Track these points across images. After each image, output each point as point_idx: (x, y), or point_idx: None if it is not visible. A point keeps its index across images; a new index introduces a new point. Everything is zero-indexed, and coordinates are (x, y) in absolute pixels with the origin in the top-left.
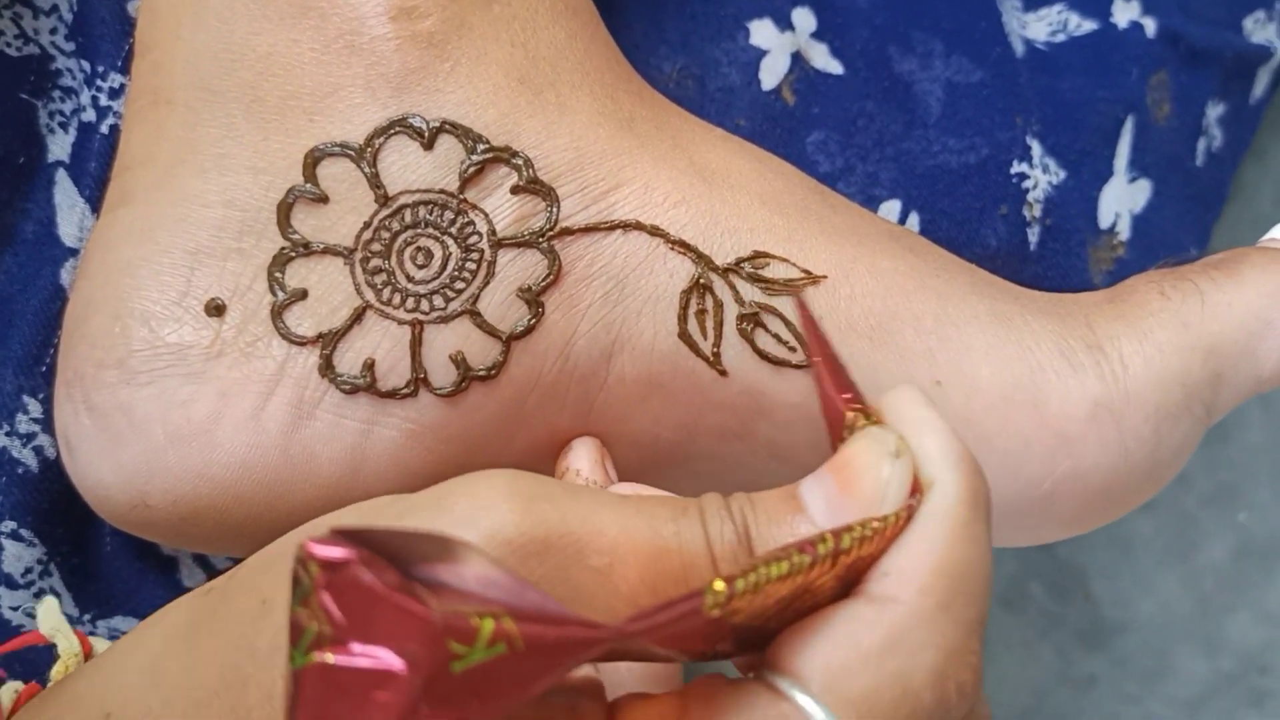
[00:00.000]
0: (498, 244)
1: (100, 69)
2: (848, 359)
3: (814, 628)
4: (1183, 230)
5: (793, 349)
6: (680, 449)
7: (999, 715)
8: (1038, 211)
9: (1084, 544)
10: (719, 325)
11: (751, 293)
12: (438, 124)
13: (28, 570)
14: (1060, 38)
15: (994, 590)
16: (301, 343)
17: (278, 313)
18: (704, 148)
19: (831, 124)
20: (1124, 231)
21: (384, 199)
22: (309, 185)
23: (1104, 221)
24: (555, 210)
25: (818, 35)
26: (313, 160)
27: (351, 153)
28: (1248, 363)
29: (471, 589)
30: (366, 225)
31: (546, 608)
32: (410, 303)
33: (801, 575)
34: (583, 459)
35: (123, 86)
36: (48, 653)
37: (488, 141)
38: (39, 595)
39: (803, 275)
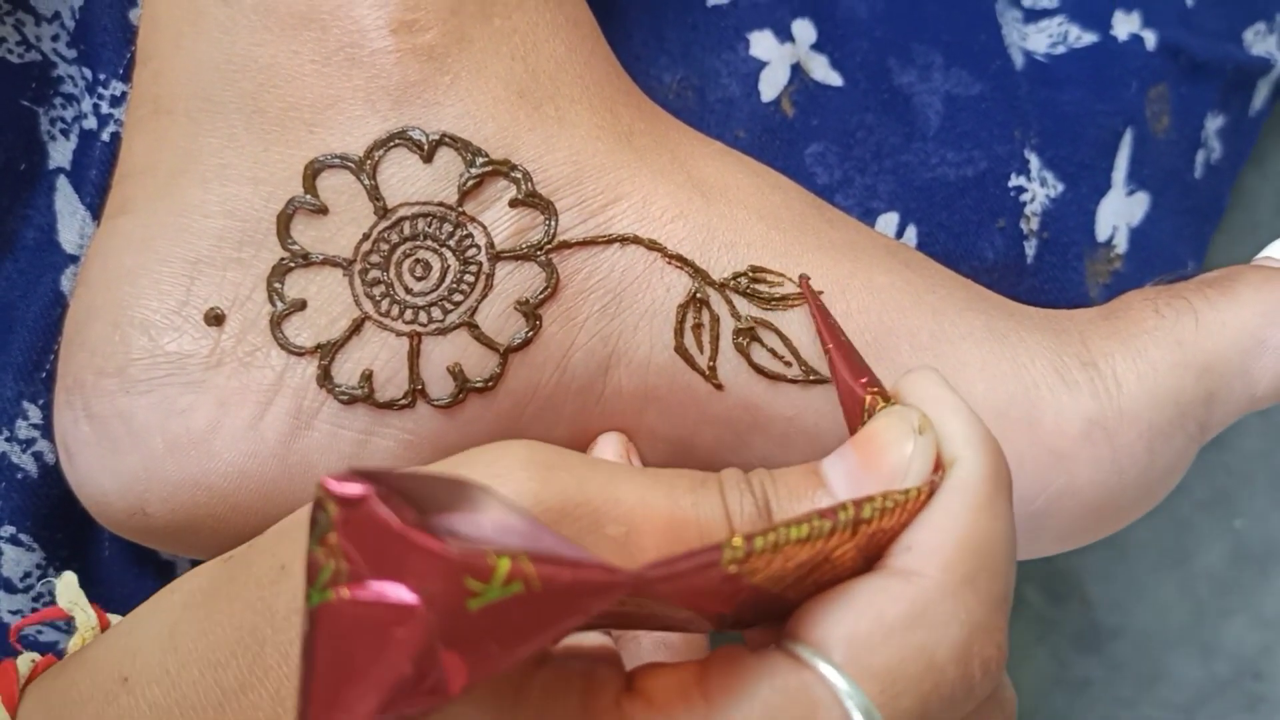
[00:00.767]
0: (496, 257)
1: (102, 76)
2: None
3: (837, 599)
4: (1180, 242)
5: (788, 364)
6: (676, 461)
7: None
8: (1035, 225)
9: (1080, 548)
10: (715, 339)
11: (748, 308)
12: (437, 137)
13: (27, 575)
14: (1060, 50)
15: None
16: (300, 353)
17: (277, 323)
18: (702, 162)
19: (830, 136)
20: (1121, 244)
21: (383, 211)
22: (309, 196)
23: (1101, 234)
24: (553, 223)
25: (817, 47)
26: (313, 171)
27: (351, 164)
28: (1241, 381)
29: (488, 536)
30: (366, 237)
31: (564, 551)
32: (409, 314)
33: (821, 541)
34: (608, 451)
35: (124, 94)
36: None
37: (487, 155)
38: (38, 600)
39: (800, 290)
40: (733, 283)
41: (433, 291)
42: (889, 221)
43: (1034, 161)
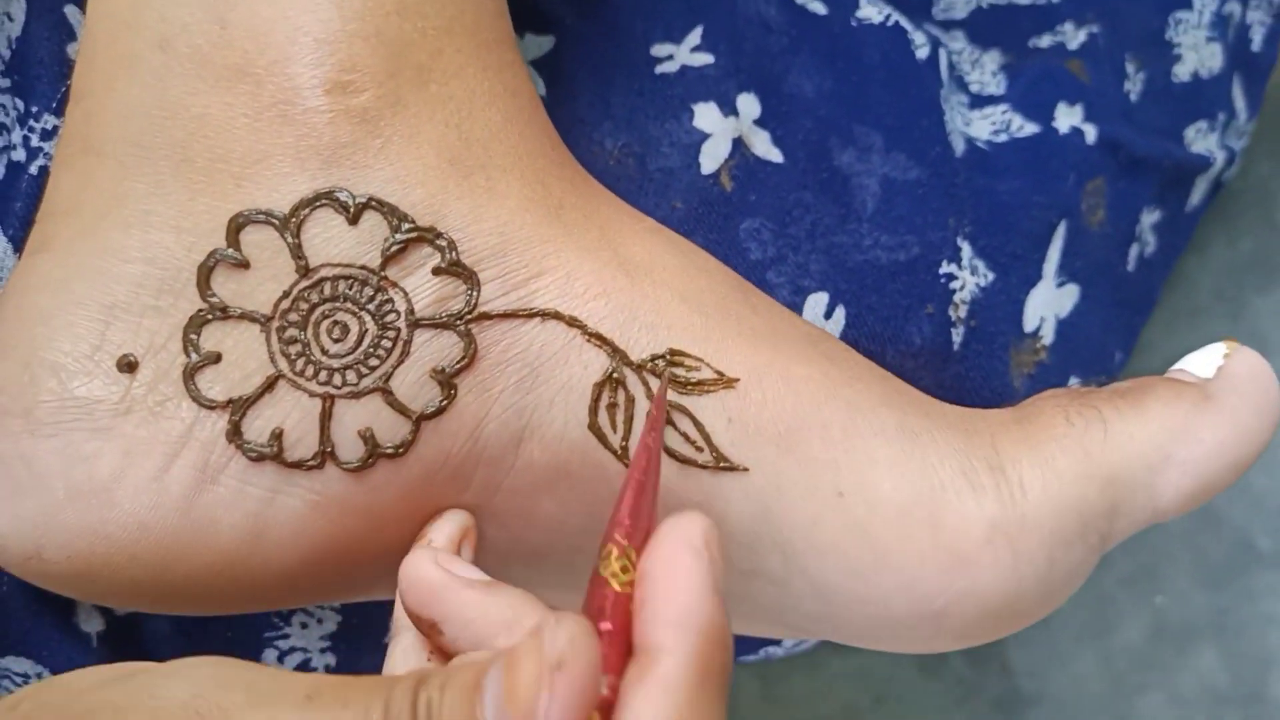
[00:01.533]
0: (415, 324)
1: (34, 109)
2: (754, 463)
3: None
4: (1109, 334)
5: (699, 449)
6: (585, 533)
7: None
8: (963, 312)
9: None
10: (629, 420)
11: None
12: (364, 200)
13: None
14: (1002, 138)
15: (913, 656)
16: (211, 406)
17: (190, 374)
18: (631, 240)
19: (766, 212)
20: (1048, 335)
21: (305, 270)
22: (231, 250)
23: (1029, 325)
24: (475, 294)
25: (760, 122)
26: (236, 225)
27: (276, 221)
28: (1145, 495)
29: None
30: (285, 295)
31: None
32: (323, 375)
33: None
34: (442, 533)
35: (56, 129)
36: None
37: (413, 221)
38: None
39: (716, 376)
40: (650, 364)
41: (349, 354)
42: (819, 301)
43: (966, 250)
